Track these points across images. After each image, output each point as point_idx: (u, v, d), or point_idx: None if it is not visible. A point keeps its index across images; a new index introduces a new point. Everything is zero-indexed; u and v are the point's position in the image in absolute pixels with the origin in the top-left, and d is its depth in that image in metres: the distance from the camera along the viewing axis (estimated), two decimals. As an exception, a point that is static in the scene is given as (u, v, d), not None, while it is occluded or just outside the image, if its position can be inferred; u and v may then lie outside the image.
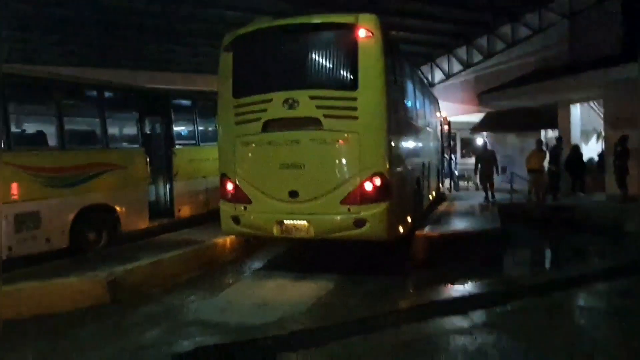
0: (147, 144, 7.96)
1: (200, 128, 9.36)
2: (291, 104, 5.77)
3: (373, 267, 6.32)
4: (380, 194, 5.59)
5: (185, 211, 8.60)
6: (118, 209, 7.13)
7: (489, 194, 11.70)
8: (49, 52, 16.78)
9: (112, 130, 7.66)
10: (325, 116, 5.70)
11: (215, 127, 9.71)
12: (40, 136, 6.51)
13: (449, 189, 14.98)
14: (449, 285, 5.76)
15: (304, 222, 5.77)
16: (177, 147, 8.58)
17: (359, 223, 5.58)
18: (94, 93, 7.35)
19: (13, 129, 6.03)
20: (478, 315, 4.68)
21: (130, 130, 8.02)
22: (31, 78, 6.50)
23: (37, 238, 5.99)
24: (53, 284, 5.02)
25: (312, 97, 5.75)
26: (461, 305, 4.88)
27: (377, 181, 5.59)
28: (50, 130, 6.55)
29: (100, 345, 4.06)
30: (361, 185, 5.59)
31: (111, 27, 14.53)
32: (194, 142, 9.15)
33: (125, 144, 7.87)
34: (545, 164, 11.77)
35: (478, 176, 12.51)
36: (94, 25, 14.08)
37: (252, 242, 7.31)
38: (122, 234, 7.22)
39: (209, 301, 5.18)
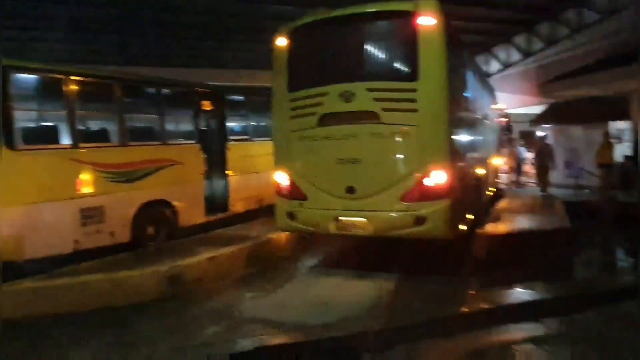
0: (202, 139, 8.05)
1: (253, 123, 9.40)
2: (347, 97, 5.59)
3: (433, 266, 6.04)
4: (441, 190, 5.31)
5: (239, 206, 8.65)
6: (176, 204, 7.26)
7: (543, 188, 11.14)
8: (109, 52, 17.52)
9: (170, 126, 7.81)
10: (383, 109, 5.47)
11: (268, 122, 9.75)
12: (103, 133, 6.72)
13: (511, 185, 14.31)
14: (517, 288, 5.39)
15: (362, 219, 5.59)
16: (231, 142, 8.63)
17: (419, 221, 5.33)
18: (153, 90, 7.52)
19: (78, 126, 6.25)
20: (552, 323, 4.33)
21: (187, 126, 8.14)
22: (94, 77, 6.71)
23: (101, 232, 6.18)
24: (116, 277, 5.14)
25: (369, 90, 5.53)
26: (532, 311, 4.54)
27: (438, 177, 5.31)
28: (112, 128, 6.75)
29: (162, 340, 4.09)
30: (421, 181, 5.33)
31: (166, 27, 14.96)
32: (247, 137, 9.18)
33: (182, 140, 8.00)
34: (617, 157, 10.92)
35: (535, 170, 11.90)
36: (150, 26, 14.54)
37: (307, 239, 7.21)
38: (180, 228, 7.35)
39: (266, 298, 5.13)
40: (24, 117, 6.02)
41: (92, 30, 15.18)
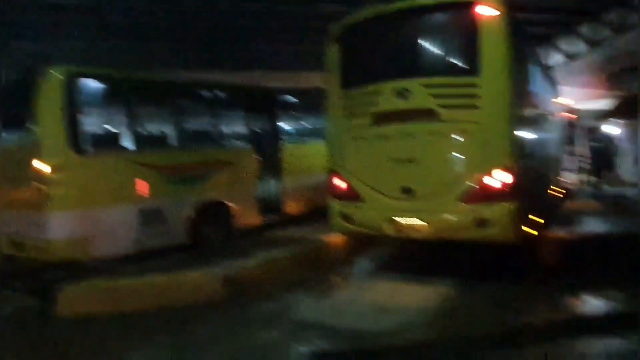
0: (256, 141, 8.11)
1: (305, 125, 9.39)
2: (403, 94, 5.39)
3: (498, 271, 5.70)
4: (505, 191, 4.99)
5: (292, 208, 8.64)
6: (232, 206, 7.35)
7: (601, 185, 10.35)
8: (166, 58, 18.20)
9: (226, 129, 7.92)
10: (442, 106, 5.22)
11: (321, 123, 9.68)
12: (163, 137, 6.91)
13: (580, 184, 13.44)
14: (591, 297, 4.96)
15: (419, 221, 5.37)
16: (284, 144, 8.64)
17: (481, 223, 5.03)
18: (210, 94, 7.65)
19: (140, 130, 6.46)
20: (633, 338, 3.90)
21: (241, 128, 8.23)
22: (152, 82, 6.92)
23: (162, 233, 6.35)
24: (175, 278, 5.24)
25: (426, 86, 5.31)
26: (614, 323, 4.13)
27: (502, 177, 5.00)
28: (171, 131, 6.92)
29: (219, 343, 4.09)
30: (483, 182, 5.04)
31: (217, 32, 15.33)
32: (299, 139, 9.17)
33: (237, 143, 8.09)
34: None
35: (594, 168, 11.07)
36: (202, 31, 14.96)
37: (362, 241, 7.05)
38: (236, 230, 7.43)
39: (322, 303, 5.03)
40: (88, 123, 6.28)
41: (148, 38, 15.82)
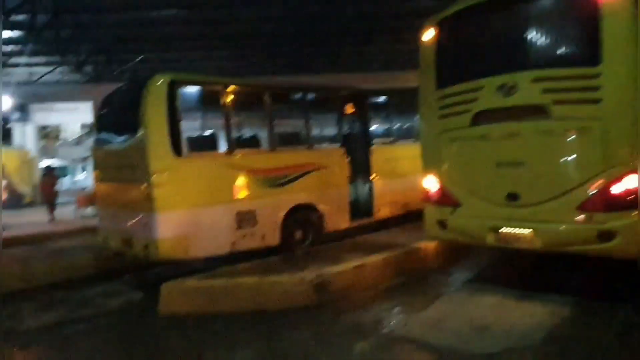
0: (346, 143, 7.98)
1: (396, 126, 9.08)
2: (508, 90, 4.87)
3: (623, 289, 4.94)
4: (636, 198, 4.28)
5: (383, 212, 8.37)
6: (322, 208, 7.28)
7: None
8: (257, 64, 18.96)
9: (316, 130, 7.90)
10: (555, 102, 4.63)
11: (412, 124, 9.32)
12: (255, 139, 7.04)
13: None
14: None
15: (527, 231, 4.81)
16: (374, 145, 8.41)
17: (605, 236, 4.35)
18: (300, 95, 7.68)
19: (234, 133, 6.63)
20: None
21: (331, 130, 8.16)
22: (247, 86, 7.09)
23: (254, 235, 6.46)
24: (266, 281, 5.24)
25: (535, 80, 4.73)
26: None
27: (632, 181, 4.28)
28: (263, 134, 7.04)
29: (314, 352, 3.98)
30: (607, 187, 4.36)
31: (311, 35, 15.54)
32: (390, 140, 8.88)
33: (327, 144, 8.03)
34: None
35: None
36: (297, 36, 15.26)
37: (457, 249, 6.58)
38: (325, 233, 7.35)
39: (417, 315, 4.70)
40: (189, 127, 6.60)
41: (242, 46, 16.53)
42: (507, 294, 5.02)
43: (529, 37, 5.01)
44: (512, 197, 4.86)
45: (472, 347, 3.83)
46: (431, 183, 5.61)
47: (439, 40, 5.54)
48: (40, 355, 4.50)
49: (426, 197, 5.68)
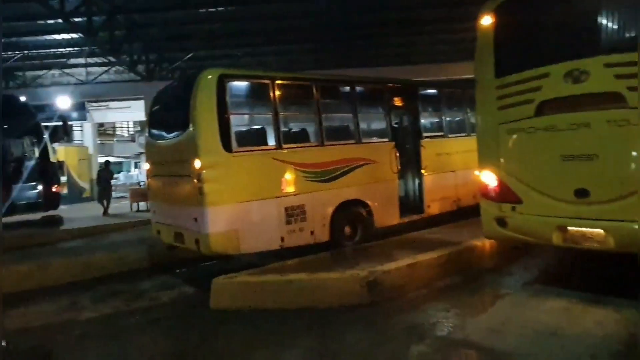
0: (395, 137, 7.75)
1: (448, 119, 8.74)
2: (577, 76, 4.51)
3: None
4: None
5: (434, 208, 8.09)
6: (371, 204, 7.12)
7: None
8: (302, 59, 18.93)
9: (364, 124, 7.71)
10: (631, 88, 4.22)
11: (464, 117, 8.96)
12: (304, 134, 6.95)
13: None
14: None
15: (598, 230, 4.45)
16: (425, 139, 8.12)
17: (689, 236, 3.94)
18: (348, 89, 7.51)
19: (283, 128, 6.56)
20: None
21: (380, 124, 7.95)
22: (295, 80, 7.00)
23: (303, 230, 6.39)
24: (317, 278, 5.13)
25: (608, 65, 4.35)
26: None
27: None
28: (311, 128, 6.93)
29: (368, 354, 3.84)
30: (695, 183, 3.94)
31: (356, 28, 15.29)
32: (441, 134, 8.56)
33: (375, 138, 7.83)
34: None
35: None
36: (341, 29, 15.05)
37: (517, 247, 6.21)
38: (375, 229, 7.17)
39: (475, 318, 4.44)
40: (238, 121, 6.58)
41: (287, 41, 16.53)
42: (572, 297, 4.66)
43: (601, 18, 4.61)
44: (581, 193, 4.50)
45: (540, 355, 3.55)
46: (489, 178, 5.30)
47: (497, 26, 5.21)
48: (100, 345, 4.62)
49: (484, 192, 5.37)
